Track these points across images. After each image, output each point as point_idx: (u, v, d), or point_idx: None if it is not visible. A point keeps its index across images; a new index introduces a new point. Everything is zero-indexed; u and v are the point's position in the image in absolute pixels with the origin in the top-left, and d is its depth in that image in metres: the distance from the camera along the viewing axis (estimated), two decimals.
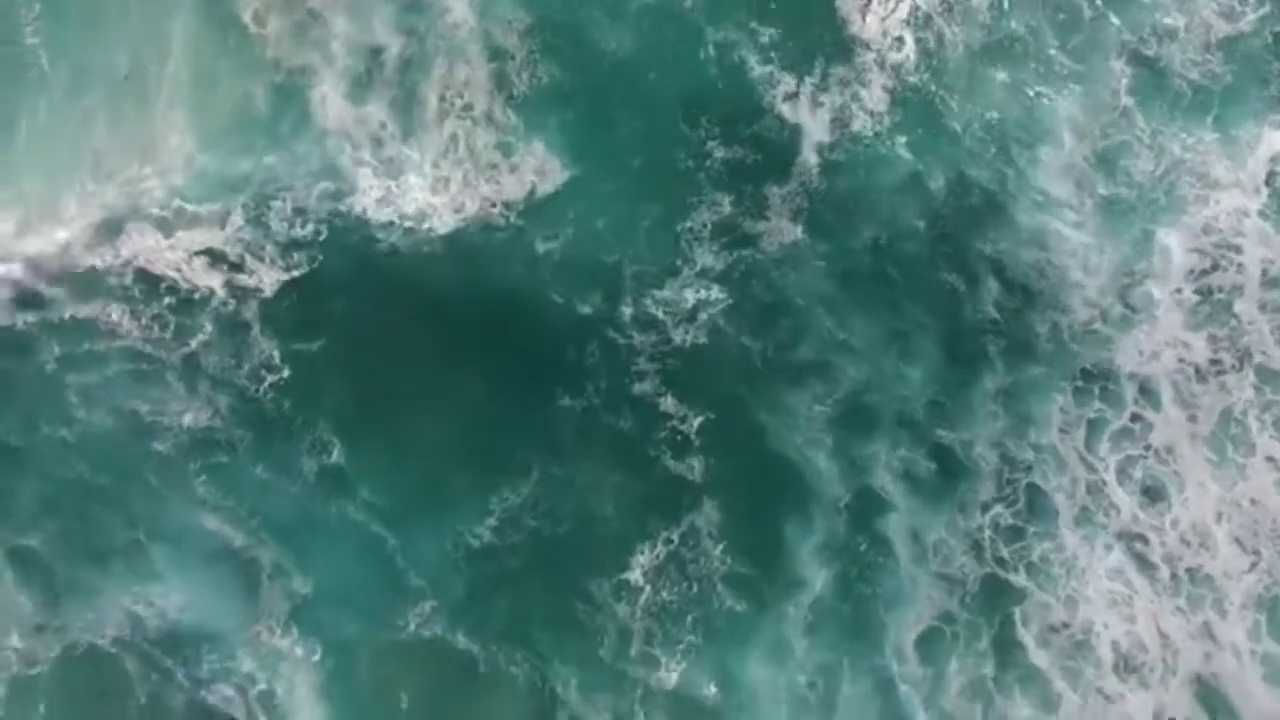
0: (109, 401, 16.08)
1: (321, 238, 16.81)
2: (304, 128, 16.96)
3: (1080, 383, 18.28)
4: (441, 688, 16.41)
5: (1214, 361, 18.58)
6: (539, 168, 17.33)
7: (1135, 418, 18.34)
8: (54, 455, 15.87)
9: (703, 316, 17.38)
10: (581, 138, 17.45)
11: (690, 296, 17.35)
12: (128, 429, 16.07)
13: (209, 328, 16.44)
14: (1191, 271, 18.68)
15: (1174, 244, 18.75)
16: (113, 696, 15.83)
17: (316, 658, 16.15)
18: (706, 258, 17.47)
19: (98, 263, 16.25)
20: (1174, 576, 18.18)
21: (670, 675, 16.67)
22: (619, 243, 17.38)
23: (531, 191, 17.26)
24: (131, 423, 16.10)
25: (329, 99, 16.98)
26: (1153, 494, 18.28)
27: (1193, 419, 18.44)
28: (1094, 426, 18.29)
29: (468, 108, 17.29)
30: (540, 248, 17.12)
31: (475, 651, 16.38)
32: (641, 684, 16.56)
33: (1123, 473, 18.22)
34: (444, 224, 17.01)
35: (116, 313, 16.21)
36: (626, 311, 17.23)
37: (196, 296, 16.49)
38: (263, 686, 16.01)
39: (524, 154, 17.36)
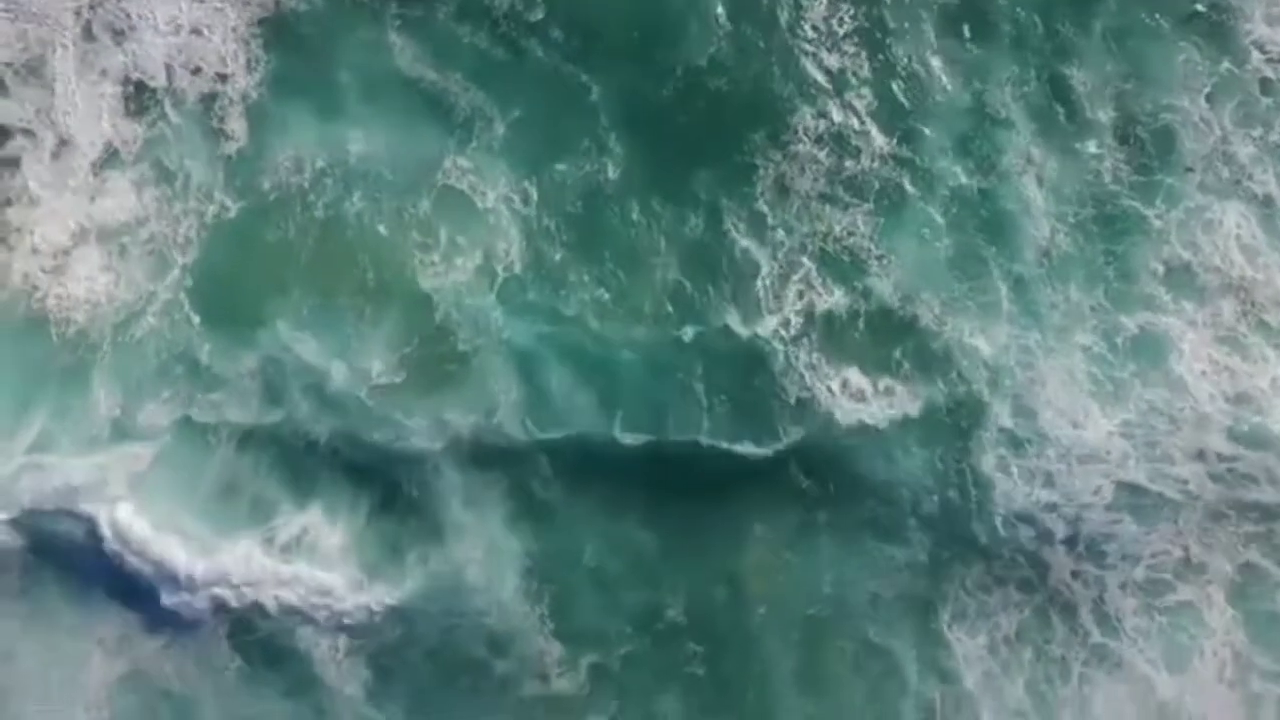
0: None
1: None
2: None
3: (1211, 57, 19.27)
4: (610, 216, 19.15)
5: None
6: None
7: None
8: None
9: None
10: None
11: None
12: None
13: None
14: None
15: None
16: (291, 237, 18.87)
17: (508, 182, 18.98)
18: None
19: None
20: None
21: (835, 226, 19.20)
22: None
23: None
24: None
25: None
26: None
27: None
28: (1222, 93, 19.44)
29: None
30: None
31: (645, 207, 19.18)
32: (798, 232, 19.13)
33: (1259, 143, 19.42)
34: None
35: None
36: None
37: None
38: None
39: None
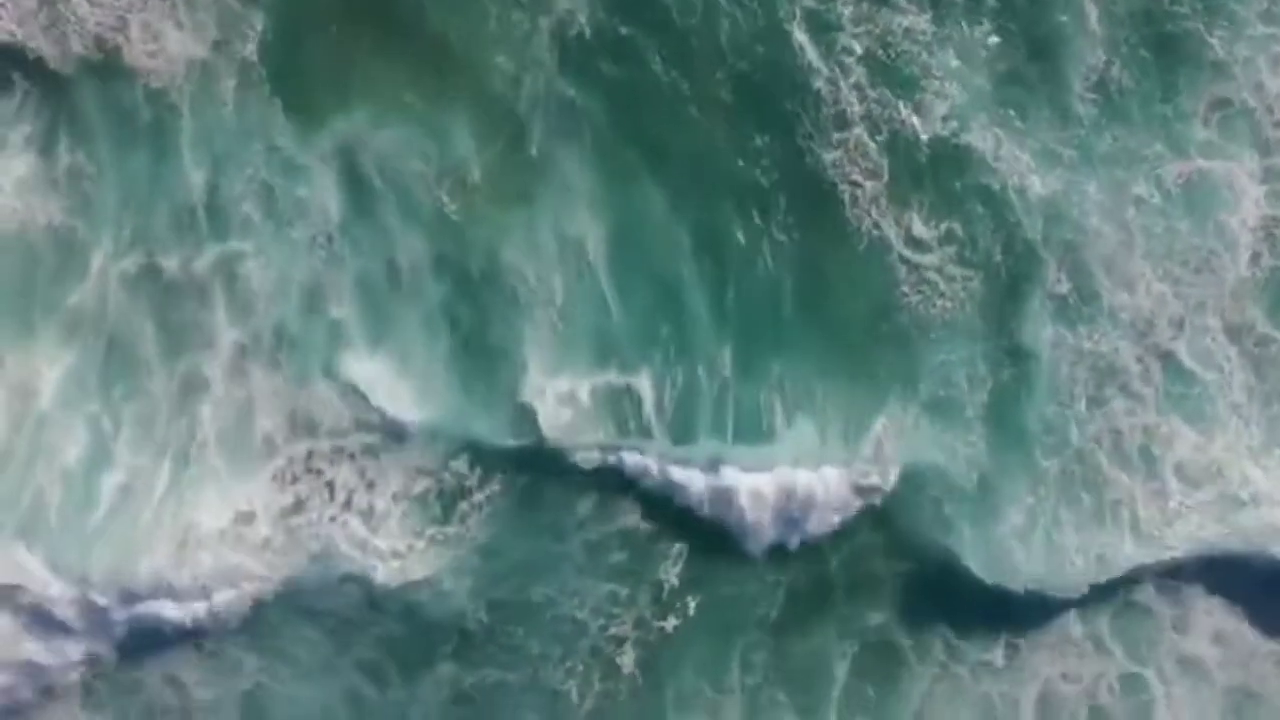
0: None
1: None
2: None
3: None
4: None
5: None
6: None
7: None
8: None
9: None
10: None
11: None
12: None
13: None
14: None
15: None
16: None
17: None
18: None
19: None
20: None
21: (889, 27, 18.45)
22: None
23: None
24: None
25: None
26: None
27: None
28: None
29: None
30: None
31: None
32: (848, 31, 18.39)
33: None
34: None
35: None
36: None
37: None
38: None
39: None
